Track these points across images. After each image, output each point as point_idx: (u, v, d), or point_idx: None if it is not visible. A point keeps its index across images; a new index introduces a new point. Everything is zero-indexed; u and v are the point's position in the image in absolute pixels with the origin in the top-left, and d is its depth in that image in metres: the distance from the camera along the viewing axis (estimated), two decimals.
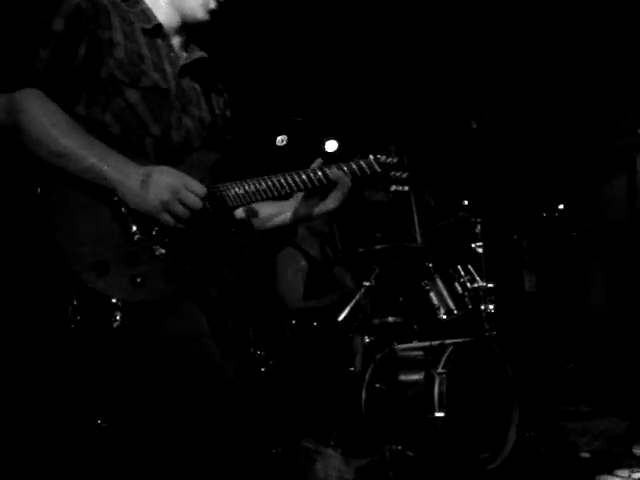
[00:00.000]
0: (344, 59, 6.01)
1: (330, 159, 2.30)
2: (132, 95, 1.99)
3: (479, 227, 4.97)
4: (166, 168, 1.91)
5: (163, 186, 1.85)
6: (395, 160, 2.32)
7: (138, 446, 1.94)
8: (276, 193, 2.15)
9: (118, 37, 2.01)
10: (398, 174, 2.33)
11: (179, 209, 1.86)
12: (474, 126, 5.77)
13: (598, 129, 5.60)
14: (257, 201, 2.15)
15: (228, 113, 2.37)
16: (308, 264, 5.24)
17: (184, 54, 2.22)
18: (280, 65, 5.84)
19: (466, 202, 5.11)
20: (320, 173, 2.20)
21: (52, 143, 1.80)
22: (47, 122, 1.82)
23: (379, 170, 2.28)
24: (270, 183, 2.13)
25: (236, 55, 5.18)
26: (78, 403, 2.04)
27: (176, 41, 2.21)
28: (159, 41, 2.14)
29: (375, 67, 6.16)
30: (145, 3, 2.16)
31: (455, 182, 5.89)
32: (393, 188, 2.33)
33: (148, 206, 1.84)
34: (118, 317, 1.82)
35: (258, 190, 2.12)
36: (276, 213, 2.35)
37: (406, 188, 2.34)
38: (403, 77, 6.27)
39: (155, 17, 2.14)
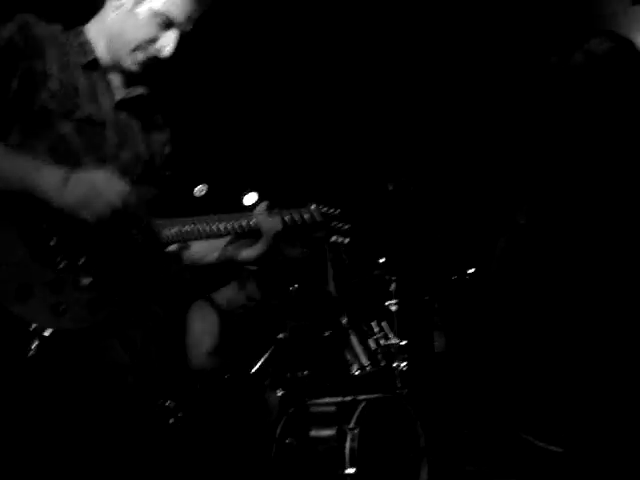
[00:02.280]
0: (264, 114, 6.07)
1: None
2: (65, 127, 1.98)
3: (393, 285, 5.04)
4: (92, 170, 1.91)
5: (84, 182, 1.84)
6: (337, 212, 2.33)
7: None
8: (211, 236, 2.14)
9: (52, 69, 2.01)
10: (339, 225, 2.33)
11: (98, 206, 1.83)
12: (390, 188, 5.90)
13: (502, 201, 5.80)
14: (190, 240, 2.14)
15: (167, 149, 2.34)
16: (220, 319, 5.14)
17: (124, 90, 2.21)
18: (201, 117, 5.85)
19: (382, 260, 5.18)
20: (253, 222, 2.19)
21: None
22: None
23: (319, 220, 2.27)
24: (205, 224, 2.12)
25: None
26: None
27: (116, 79, 2.20)
28: (95, 75, 2.13)
29: (296, 126, 6.25)
30: (86, 35, 2.16)
31: (371, 241, 5.97)
32: (333, 239, 2.33)
33: (67, 202, 1.82)
34: (33, 346, 1.76)
35: (193, 230, 2.11)
36: (206, 252, 2.32)
37: (347, 240, 2.34)
38: (323, 137, 6.38)
39: (93, 51, 2.13)
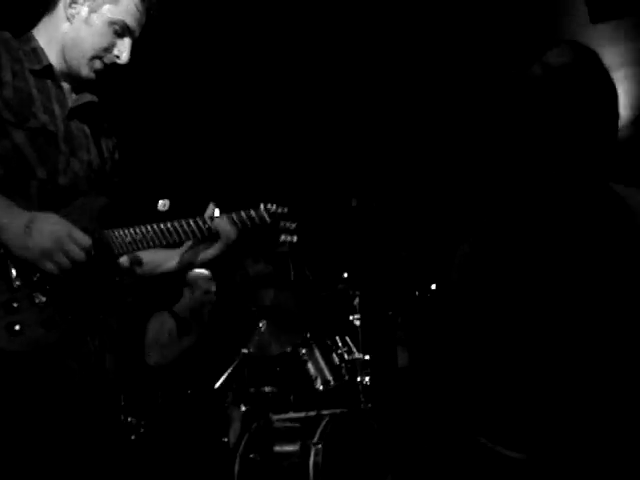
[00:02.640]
0: (225, 125, 6.06)
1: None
2: (18, 136, 1.96)
3: (357, 300, 5.05)
4: (51, 215, 1.88)
5: (46, 234, 1.82)
6: (285, 210, 2.34)
7: None
8: (164, 242, 2.14)
9: (7, 76, 1.98)
10: (287, 224, 2.35)
11: (62, 259, 1.83)
12: (354, 204, 5.93)
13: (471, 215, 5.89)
14: (144, 249, 2.13)
15: (117, 156, 2.34)
16: (177, 325, 5.12)
17: (74, 96, 2.20)
18: (165, 128, 5.83)
19: (345, 274, 5.19)
20: (207, 224, 2.20)
21: None
22: None
23: (269, 220, 2.28)
24: (157, 230, 2.11)
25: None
26: None
27: (66, 85, 2.19)
28: (49, 82, 2.12)
29: (259, 140, 6.25)
30: (37, 42, 2.14)
31: (335, 256, 5.99)
32: (282, 238, 2.35)
33: (30, 254, 1.81)
34: None
35: (145, 237, 2.10)
36: (162, 260, 2.32)
37: (295, 239, 2.36)
38: (286, 153, 6.39)
39: (46, 57, 2.12)
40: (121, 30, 2.13)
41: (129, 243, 2.06)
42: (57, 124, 2.07)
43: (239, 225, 2.24)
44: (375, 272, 6.11)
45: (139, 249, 2.10)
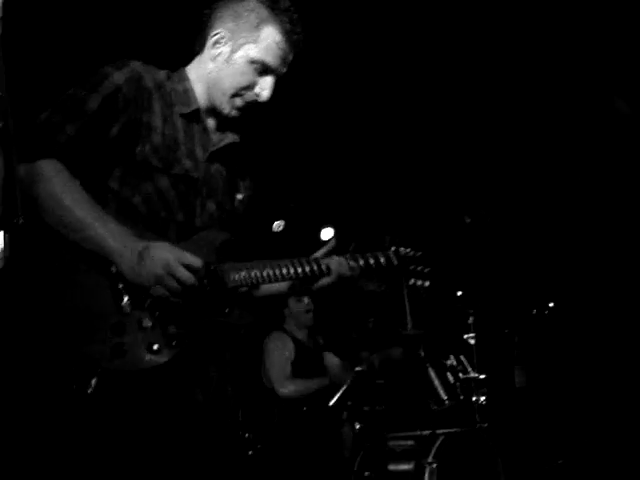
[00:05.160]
0: (342, 149, 6.14)
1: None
2: (163, 181, 2.06)
3: (472, 318, 4.98)
4: (164, 243, 1.95)
5: (157, 261, 1.88)
6: (419, 254, 2.29)
7: None
8: (278, 280, 2.16)
9: (157, 122, 2.08)
10: (419, 268, 2.29)
11: (171, 283, 1.89)
12: (467, 221, 5.87)
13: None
14: (258, 285, 2.16)
15: (251, 193, 2.39)
16: (295, 348, 5.17)
17: (218, 135, 2.26)
18: (280, 154, 5.96)
19: (460, 293, 5.14)
20: (323, 266, 2.21)
21: (59, 212, 1.88)
22: (58, 192, 1.89)
23: (396, 263, 2.25)
24: (272, 273, 2.13)
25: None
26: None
27: (211, 122, 2.26)
28: (195, 126, 2.19)
29: (373, 159, 6.30)
30: (189, 81, 2.22)
31: (449, 274, 5.94)
32: (412, 282, 2.29)
33: (142, 279, 1.88)
34: (93, 383, 1.82)
35: (262, 276, 2.12)
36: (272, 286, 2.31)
37: (427, 283, 2.29)
38: (400, 169, 6.41)
39: (196, 99, 2.20)
40: (262, 69, 2.16)
41: (243, 279, 2.09)
42: (199, 167, 2.16)
43: (363, 266, 2.25)
44: (490, 290, 6.02)
45: (252, 285, 2.13)
